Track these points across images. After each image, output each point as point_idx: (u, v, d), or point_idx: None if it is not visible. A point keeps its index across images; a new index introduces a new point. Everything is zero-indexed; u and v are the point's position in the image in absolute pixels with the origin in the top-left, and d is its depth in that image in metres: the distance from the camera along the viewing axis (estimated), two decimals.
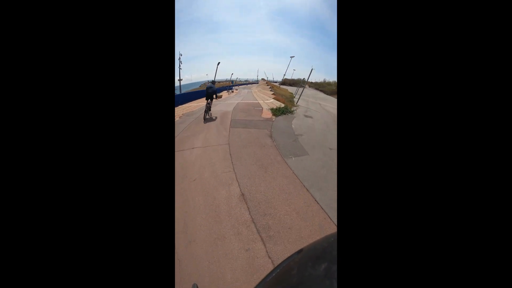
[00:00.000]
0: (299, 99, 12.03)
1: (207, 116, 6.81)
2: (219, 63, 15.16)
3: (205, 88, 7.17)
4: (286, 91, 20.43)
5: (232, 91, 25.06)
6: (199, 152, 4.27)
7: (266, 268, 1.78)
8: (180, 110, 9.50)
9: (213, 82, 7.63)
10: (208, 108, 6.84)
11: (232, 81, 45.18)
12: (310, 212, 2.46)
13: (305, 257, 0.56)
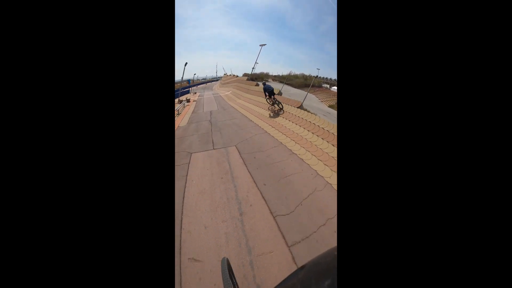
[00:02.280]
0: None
1: (276, 108, 7.57)
2: (186, 63, 13.54)
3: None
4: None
5: (188, 102, 13.69)
6: None
7: None
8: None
9: (264, 83, 8.28)
10: (273, 102, 7.59)
11: (188, 81, 31.77)
12: None
13: (309, 273, 0.54)
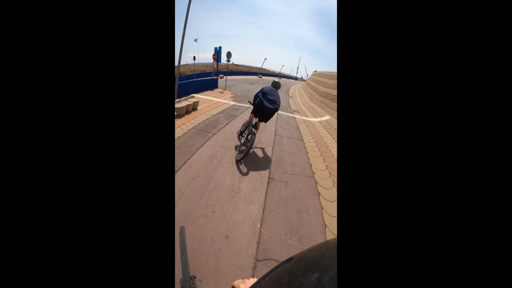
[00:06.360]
0: None
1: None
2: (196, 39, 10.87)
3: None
4: None
5: None
6: None
7: None
8: None
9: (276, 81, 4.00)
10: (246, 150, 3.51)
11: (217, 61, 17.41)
12: None
13: (296, 266, 0.54)
